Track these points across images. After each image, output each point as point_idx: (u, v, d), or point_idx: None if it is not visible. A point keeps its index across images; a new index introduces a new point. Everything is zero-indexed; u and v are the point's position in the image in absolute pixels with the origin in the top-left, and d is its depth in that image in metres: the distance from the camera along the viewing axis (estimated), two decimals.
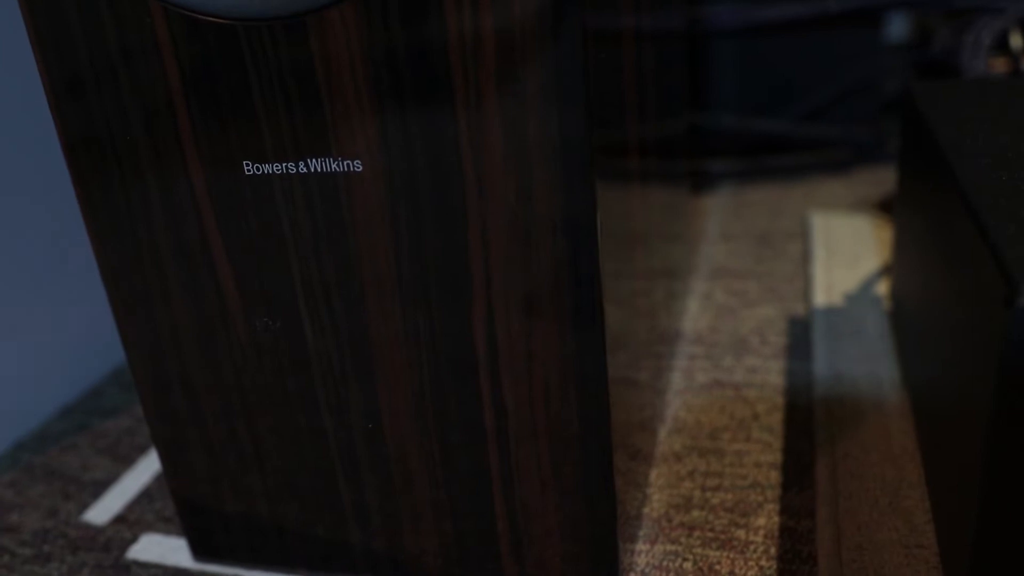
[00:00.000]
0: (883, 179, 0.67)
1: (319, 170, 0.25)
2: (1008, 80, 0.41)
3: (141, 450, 0.42)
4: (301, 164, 0.25)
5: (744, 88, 0.71)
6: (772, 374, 0.42)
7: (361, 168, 0.25)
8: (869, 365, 0.41)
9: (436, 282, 0.26)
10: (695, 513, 0.34)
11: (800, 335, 0.46)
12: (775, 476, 0.35)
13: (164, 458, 0.33)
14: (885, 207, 0.61)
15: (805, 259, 0.55)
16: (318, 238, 0.26)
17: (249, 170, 0.26)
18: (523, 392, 0.28)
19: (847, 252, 0.54)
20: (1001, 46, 0.68)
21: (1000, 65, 0.70)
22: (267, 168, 0.26)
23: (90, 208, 0.28)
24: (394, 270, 0.27)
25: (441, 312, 0.27)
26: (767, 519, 0.33)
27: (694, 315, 0.49)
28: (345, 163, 0.25)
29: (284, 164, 0.25)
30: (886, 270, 0.50)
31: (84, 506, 0.38)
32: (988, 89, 0.40)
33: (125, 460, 0.41)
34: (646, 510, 0.34)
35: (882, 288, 0.48)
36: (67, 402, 0.47)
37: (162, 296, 0.29)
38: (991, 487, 0.22)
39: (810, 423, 0.38)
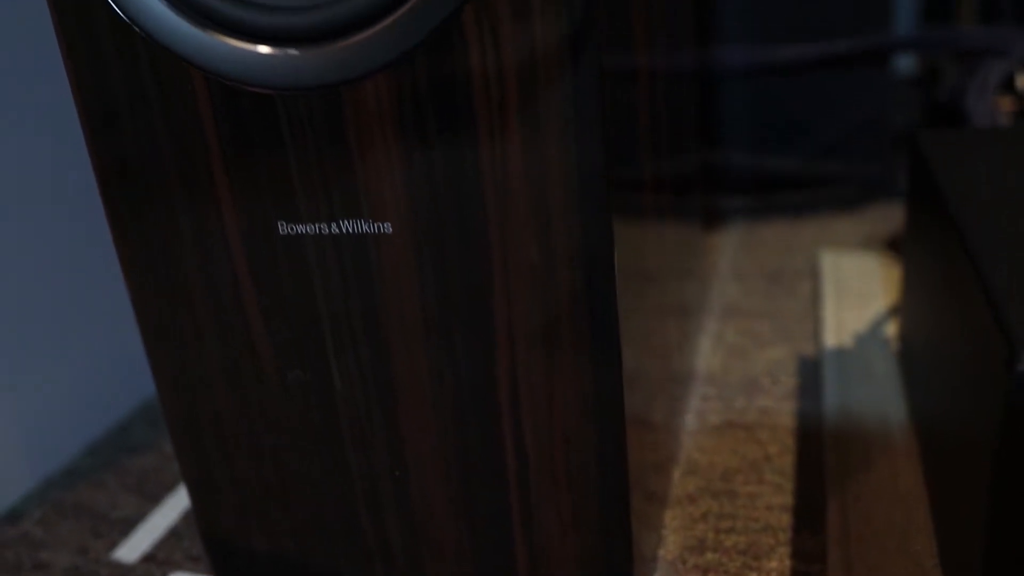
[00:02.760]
0: (892, 216, 0.68)
1: (350, 231, 0.26)
2: (1014, 129, 0.42)
3: (168, 488, 0.43)
4: (333, 225, 0.26)
5: (755, 126, 0.72)
6: (783, 415, 0.43)
7: (391, 230, 0.26)
8: (878, 407, 0.42)
9: (460, 330, 0.28)
10: (709, 555, 0.35)
11: (810, 376, 0.47)
12: (786, 519, 0.36)
13: (193, 496, 0.34)
14: (894, 245, 0.62)
15: (815, 298, 0.56)
16: (348, 292, 0.28)
17: (283, 230, 0.27)
18: (543, 434, 0.29)
19: (856, 291, 0.55)
20: (1007, 86, 0.69)
21: (1006, 104, 0.72)
22: (300, 228, 0.27)
23: (124, 244, 0.29)
24: (420, 321, 0.28)
25: (465, 360, 0.28)
26: (779, 562, 0.34)
27: (707, 355, 0.50)
28: (375, 225, 0.26)
29: (317, 225, 0.27)
30: (895, 311, 0.51)
31: (113, 544, 0.40)
32: (995, 138, 0.41)
33: (153, 498, 0.43)
34: (661, 552, 0.35)
35: (891, 329, 0.49)
36: (94, 439, 0.48)
37: (194, 335, 0.30)
38: (994, 539, 0.23)
39: (821, 465, 0.39)
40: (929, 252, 0.37)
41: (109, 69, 0.27)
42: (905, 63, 0.89)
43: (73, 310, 0.47)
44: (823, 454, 0.39)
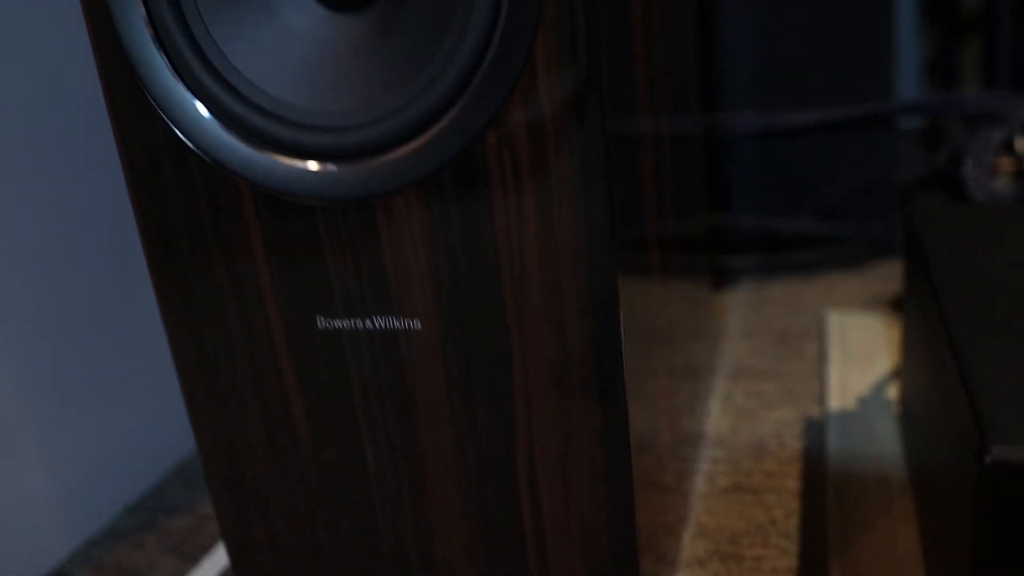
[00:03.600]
0: (897, 274, 0.70)
1: (383, 327, 0.29)
2: (1007, 209, 0.44)
3: (205, 549, 0.46)
4: (368, 321, 0.29)
5: (763, 188, 0.75)
6: (789, 478, 0.45)
7: (420, 326, 0.29)
8: (880, 471, 0.44)
9: (482, 405, 0.30)
10: None
11: (815, 438, 0.49)
12: None
13: (232, 555, 0.36)
14: (897, 305, 0.64)
15: (821, 359, 0.58)
16: (380, 379, 0.30)
17: (321, 324, 0.30)
18: (558, 498, 0.32)
19: (861, 353, 0.57)
20: (1007, 147, 0.72)
21: (1006, 165, 0.74)
22: (337, 323, 0.30)
23: (170, 315, 0.32)
24: (445, 400, 0.30)
25: (486, 433, 0.31)
26: None
27: (716, 417, 0.52)
28: (406, 320, 0.29)
29: (352, 320, 0.29)
30: (896, 373, 0.53)
31: None
32: (988, 217, 0.44)
33: (190, 559, 0.45)
34: None
35: (893, 391, 0.51)
36: (132, 500, 0.51)
37: (237, 402, 0.33)
38: None
39: (824, 528, 0.41)
40: (921, 323, 0.40)
41: (167, 187, 0.29)
42: (911, 117, 0.92)
43: (109, 373, 0.50)
44: (826, 519, 0.41)
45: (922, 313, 0.39)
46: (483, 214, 0.27)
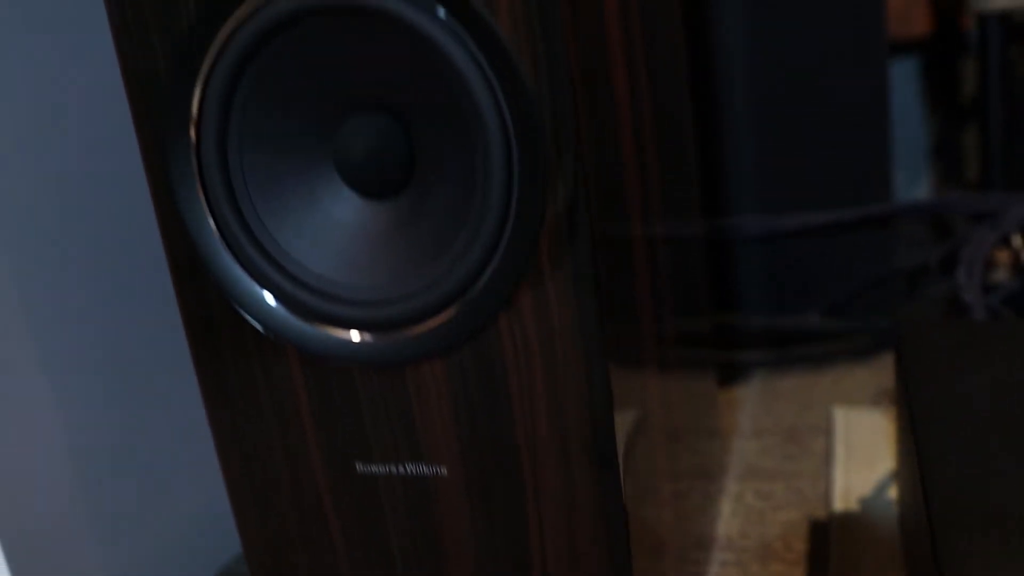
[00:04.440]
0: None
1: (414, 472, 0.33)
2: (993, 329, 0.47)
3: None
4: (400, 467, 0.33)
5: (769, 286, 0.78)
6: None
7: (446, 472, 0.33)
8: (878, 575, 0.47)
9: (501, 548, 0.34)
10: None
11: (821, 541, 0.52)
12: None
13: None
14: None
15: (827, 459, 0.61)
16: (411, 516, 0.34)
17: (360, 469, 0.34)
18: None
19: (865, 452, 0.60)
20: (1004, 241, 0.75)
21: (1003, 258, 0.78)
22: (373, 468, 0.34)
23: (230, 472, 0.36)
24: (471, 540, 0.34)
25: (505, 561, 0.34)
26: None
27: (726, 518, 0.56)
28: (434, 467, 0.33)
29: (387, 465, 0.33)
30: (896, 474, 0.56)
31: None
32: (970, 335, 0.47)
33: None
34: None
35: (894, 491, 0.54)
36: None
37: (287, 545, 0.36)
38: None
39: None
40: (903, 436, 0.43)
41: (222, 346, 0.34)
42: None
43: (150, 480, 0.54)
44: None
45: (903, 429, 0.42)
46: (497, 371, 0.31)
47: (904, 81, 1.02)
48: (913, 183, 1.07)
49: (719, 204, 0.77)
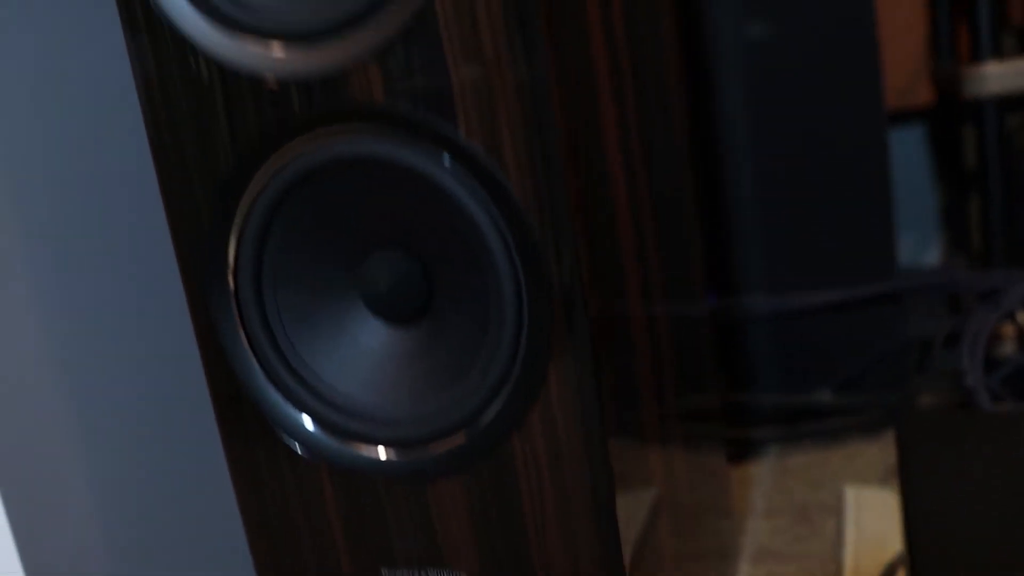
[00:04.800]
0: None
1: None
2: (992, 419, 0.49)
3: None
4: (423, 573, 0.35)
5: (780, 364, 0.80)
6: None
7: None
8: None
9: None
10: None
11: None
12: None
13: None
14: None
15: (839, 540, 0.63)
16: None
17: (385, 573, 0.36)
18: None
19: (875, 533, 0.61)
20: (1010, 316, 0.77)
21: (1008, 332, 0.80)
22: (398, 573, 0.36)
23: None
24: None
25: None
26: None
27: None
28: (455, 573, 0.35)
29: (410, 571, 0.36)
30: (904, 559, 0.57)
31: None
32: (970, 428, 0.49)
33: None
34: None
35: (903, 574, 0.56)
36: None
37: None
38: None
39: None
40: (904, 527, 0.44)
41: (260, 469, 0.37)
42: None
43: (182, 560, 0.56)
44: None
45: (902, 517, 0.44)
46: (509, 485, 0.34)
47: (912, 148, 1.04)
48: (923, 247, 1.09)
49: (728, 282, 0.80)
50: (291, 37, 0.32)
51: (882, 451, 0.75)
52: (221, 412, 0.36)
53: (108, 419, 0.50)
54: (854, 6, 0.71)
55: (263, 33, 0.32)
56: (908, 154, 1.02)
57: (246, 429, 0.36)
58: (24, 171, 0.47)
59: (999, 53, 0.76)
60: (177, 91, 0.33)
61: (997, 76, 0.74)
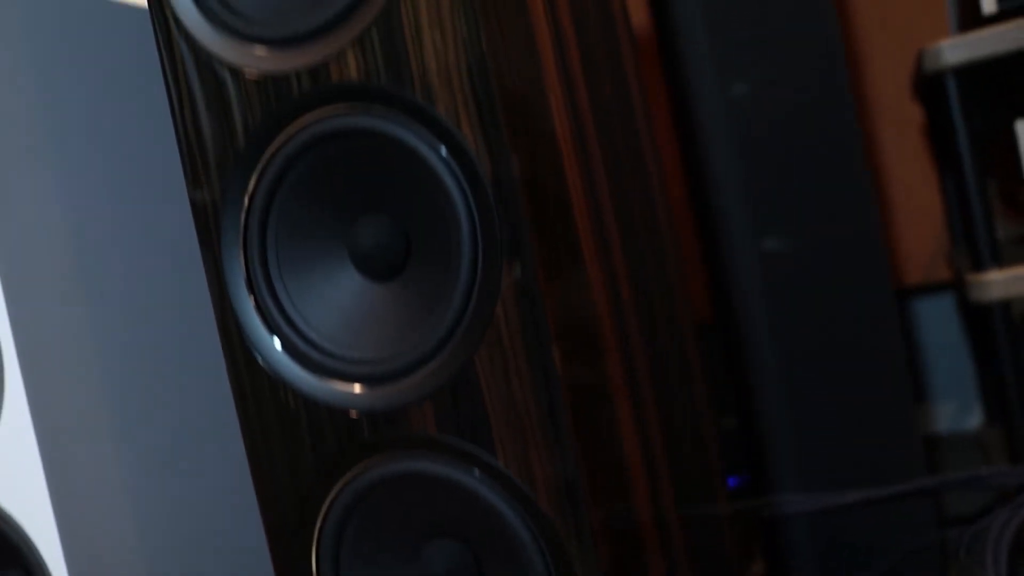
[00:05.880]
0: None
1: None
2: None
3: None
4: None
5: (817, 559, 0.80)
6: None
7: None
8: None
9: None
10: None
11: None
12: None
13: None
14: None
15: None
16: None
17: None
18: None
19: None
20: None
21: None
22: None
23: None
24: None
25: None
26: None
27: None
28: None
29: None
30: None
31: None
32: None
33: None
34: None
35: None
36: None
37: None
38: None
39: None
40: None
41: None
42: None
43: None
44: None
45: None
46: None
47: (946, 316, 1.02)
48: (963, 414, 1.04)
49: (763, 481, 0.82)
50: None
51: None
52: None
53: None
54: (858, 214, 0.77)
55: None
56: (941, 323, 1.01)
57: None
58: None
59: (999, 261, 0.76)
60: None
61: (1000, 283, 0.75)
